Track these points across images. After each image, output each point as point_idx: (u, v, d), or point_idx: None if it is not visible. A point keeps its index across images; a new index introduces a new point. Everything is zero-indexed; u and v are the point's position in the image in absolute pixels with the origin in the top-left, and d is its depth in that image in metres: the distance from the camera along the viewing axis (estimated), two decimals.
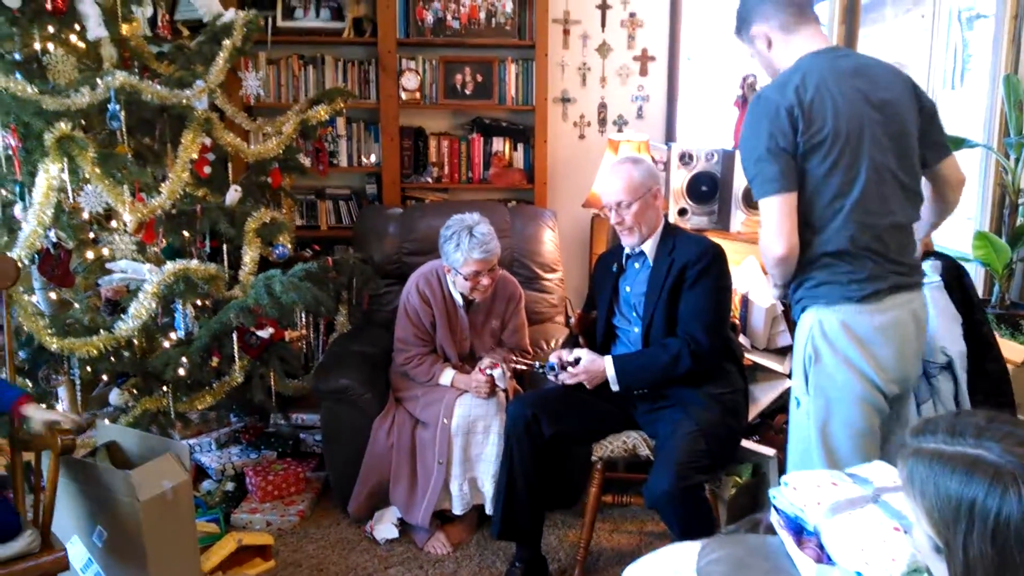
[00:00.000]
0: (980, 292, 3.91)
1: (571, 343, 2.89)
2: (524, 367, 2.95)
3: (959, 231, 4.11)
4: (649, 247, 2.64)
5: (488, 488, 2.87)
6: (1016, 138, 3.53)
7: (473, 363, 3.06)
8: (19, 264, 2.47)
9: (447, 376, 2.96)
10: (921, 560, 1.17)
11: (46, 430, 2.11)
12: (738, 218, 3.43)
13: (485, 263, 2.86)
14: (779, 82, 1.99)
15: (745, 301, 3.18)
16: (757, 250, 3.31)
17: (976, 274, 3.98)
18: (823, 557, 1.57)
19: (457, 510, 2.90)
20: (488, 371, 2.87)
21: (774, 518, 1.73)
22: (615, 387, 2.56)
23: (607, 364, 2.57)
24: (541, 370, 2.69)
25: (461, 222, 2.89)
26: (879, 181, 1.97)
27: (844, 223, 1.95)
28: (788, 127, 1.92)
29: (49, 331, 2.59)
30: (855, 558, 1.46)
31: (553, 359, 2.66)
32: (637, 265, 2.70)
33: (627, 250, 2.72)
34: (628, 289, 2.70)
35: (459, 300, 3.04)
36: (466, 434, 2.86)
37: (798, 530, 1.65)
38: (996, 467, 0.98)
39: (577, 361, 2.63)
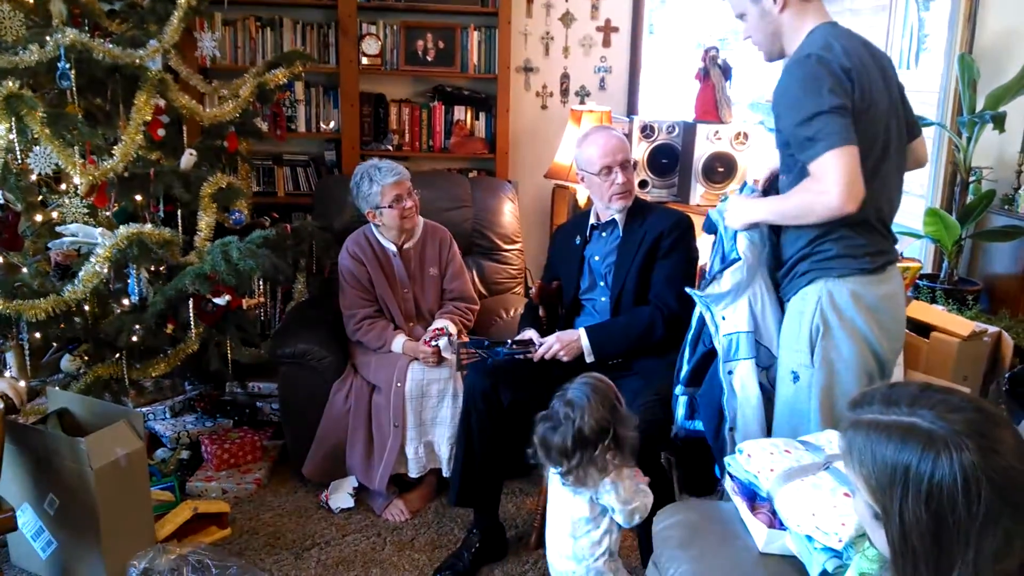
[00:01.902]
0: (929, 268, 4.00)
1: (531, 314, 2.89)
2: (475, 359, 2.73)
3: (910, 208, 4.19)
4: (619, 216, 2.66)
5: (444, 451, 2.89)
6: (969, 117, 3.59)
7: (424, 322, 3.10)
8: None
9: (398, 343, 2.97)
10: None
11: None
12: (698, 191, 3.47)
13: (401, 184, 2.97)
14: (821, 44, 1.90)
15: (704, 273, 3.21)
16: None
17: (926, 250, 4.07)
18: (775, 522, 1.62)
19: (413, 473, 2.90)
20: (433, 342, 2.87)
21: (728, 484, 1.77)
22: (590, 358, 2.58)
23: (581, 335, 2.58)
24: (491, 359, 2.62)
25: (362, 166, 3.03)
26: (893, 154, 2.00)
27: (871, 194, 1.88)
28: (849, 86, 1.87)
29: None
30: (806, 523, 1.50)
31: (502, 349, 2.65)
32: (604, 234, 2.72)
33: (592, 220, 2.74)
34: (597, 258, 2.72)
35: (391, 248, 3.07)
36: (420, 397, 2.87)
37: (751, 496, 1.69)
38: (929, 433, 1.01)
39: (528, 341, 2.64)
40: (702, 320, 2.19)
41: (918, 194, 4.25)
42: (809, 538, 1.50)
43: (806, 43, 1.95)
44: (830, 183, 1.80)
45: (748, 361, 2.09)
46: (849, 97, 1.85)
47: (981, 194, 3.66)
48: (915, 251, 4.00)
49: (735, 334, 2.10)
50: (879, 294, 1.99)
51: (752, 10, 2.02)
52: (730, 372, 2.11)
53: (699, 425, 2.26)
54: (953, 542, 0.99)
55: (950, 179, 3.95)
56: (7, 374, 2.81)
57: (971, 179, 3.73)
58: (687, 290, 2.19)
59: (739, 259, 2.10)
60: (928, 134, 4.08)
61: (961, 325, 3.01)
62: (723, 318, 2.11)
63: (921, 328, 3.05)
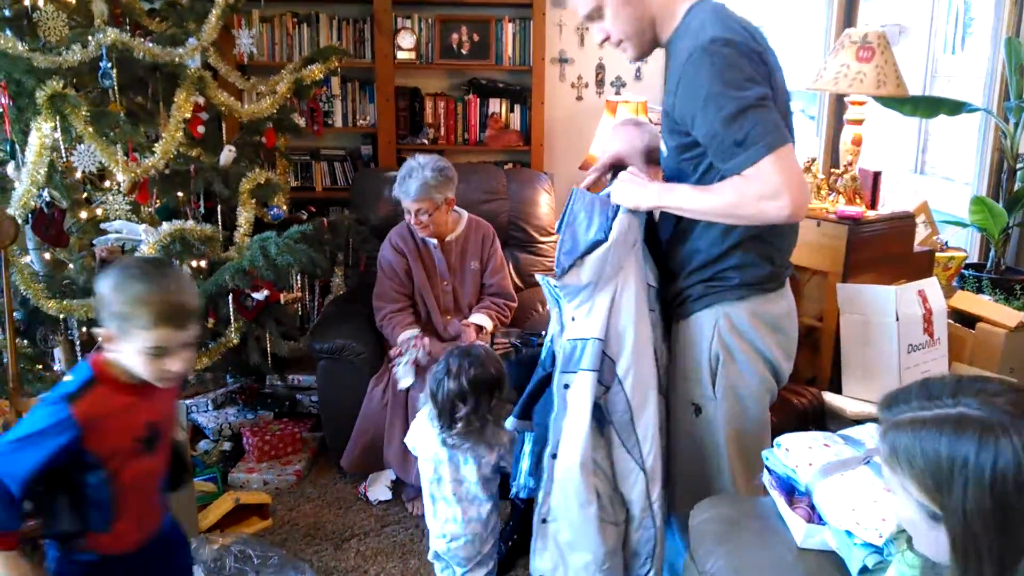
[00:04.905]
0: (975, 257, 3.91)
1: None
2: (508, 350, 2.81)
3: (956, 196, 4.10)
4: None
5: None
6: (1016, 102, 3.50)
7: (461, 315, 3.12)
8: (18, 222, 2.45)
9: (404, 337, 2.96)
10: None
11: None
12: None
13: (414, 204, 2.94)
14: (720, 26, 1.63)
15: None
16: None
17: (972, 239, 3.98)
18: (814, 517, 1.60)
19: None
20: (396, 360, 2.87)
21: (766, 478, 1.75)
22: None
23: None
24: (524, 349, 2.60)
25: (406, 166, 2.98)
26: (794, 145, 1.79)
27: None
28: (764, 71, 1.64)
29: (46, 293, 2.59)
30: (846, 518, 1.48)
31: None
32: None
33: None
34: None
35: (433, 241, 3.09)
36: None
37: (789, 490, 1.67)
38: (981, 421, 0.98)
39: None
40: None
41: (964, 182, 4.16)
42: (849, 533, 1.48)
43: (691, 27, 1.70)
44: (778, 188, 1.55)
45: (589, 374, 1.77)
46: (768, 83, 1.62)
47: None
48: (960, 240, 3.92)
49: (580, 340, 1.79)
50: (777, 312, 1.88)
51: None
52: (566, 386, 1.81)
53: None
54: (1021, 527, 0.97)
55: (996, 166, 3.86)
56: (55, 368, 2.87)
57: (1018, 166, 3.63)
58: (537, 276, 1.85)
59: (603, 240, 1.71)
60: (974, 120, 3.99)
61: (1008, 316, 2.94)
62: (572, 319, 1.80)
63: (967, 319, 2.99)
